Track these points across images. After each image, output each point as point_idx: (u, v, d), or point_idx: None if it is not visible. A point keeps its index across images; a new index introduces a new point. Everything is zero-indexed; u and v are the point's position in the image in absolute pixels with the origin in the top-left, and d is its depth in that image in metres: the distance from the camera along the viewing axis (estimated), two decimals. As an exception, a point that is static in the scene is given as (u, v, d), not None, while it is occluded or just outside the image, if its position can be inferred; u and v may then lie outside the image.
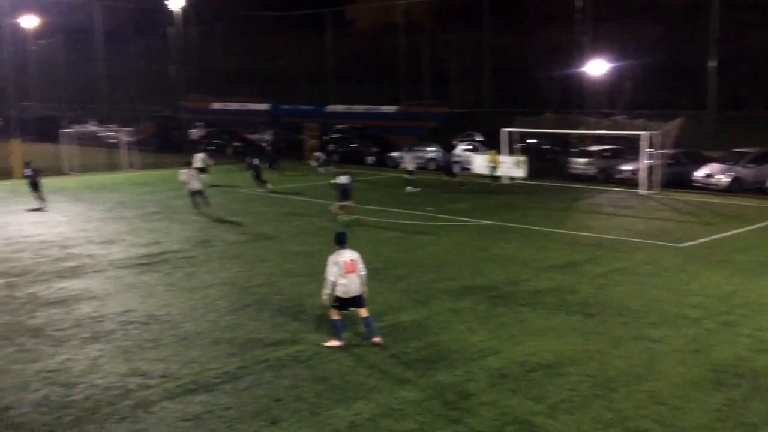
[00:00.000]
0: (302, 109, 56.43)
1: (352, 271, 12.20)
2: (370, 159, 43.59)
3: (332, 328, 12.49)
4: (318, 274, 17.33)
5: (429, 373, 11.31)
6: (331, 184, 26.60)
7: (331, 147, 44.70)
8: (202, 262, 18.59)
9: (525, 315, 14.07)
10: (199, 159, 33.49)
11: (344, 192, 24.81)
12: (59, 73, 73.81)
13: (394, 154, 42.51)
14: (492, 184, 34.18)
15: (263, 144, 43.99)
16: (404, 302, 15.06)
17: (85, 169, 39.36)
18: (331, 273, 12.14)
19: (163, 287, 16.24)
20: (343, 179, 24.97)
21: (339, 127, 49.51)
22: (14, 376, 11.19)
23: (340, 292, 12.19)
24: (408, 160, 33.51)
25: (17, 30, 61.65)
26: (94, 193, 31.65)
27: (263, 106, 60.68)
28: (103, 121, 56.95)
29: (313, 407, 10.09)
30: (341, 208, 24.80)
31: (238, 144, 51.91)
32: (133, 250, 20.10)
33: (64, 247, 20.49)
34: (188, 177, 26.47)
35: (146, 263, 18.49)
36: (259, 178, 32.00)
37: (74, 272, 17.57)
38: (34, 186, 27.57)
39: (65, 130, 43.14)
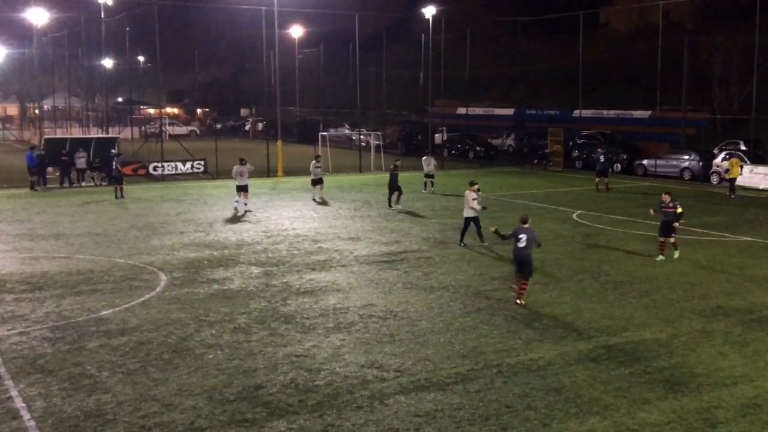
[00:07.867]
0: (547, 114, 55.52)
1: None
2: (617, 166, 42.09)
3: None
4: (556, 282, 16.99)
5: (672, 395, 10.54)
6: None
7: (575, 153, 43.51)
8: (439, 263, 18.93)
9: (789, 344, 12.63)
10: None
11: None
12: (319, 79, 79.32)
13: (645, 161, 40.99)
14: (733, 195, 31.58)
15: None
16: (648, 319, 14.20)
17: (337, 169, 41.83)
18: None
19: (402, 285, 16.76)
20: None
21: (585, 132, 48.04)
22: (267, 357, 12.13)
23: None
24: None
25: (286, 40, 67.42)
26: (344, 193, 33.52)
27: (508, 111, 60.62)
28: (355, 125, 60.24)
29: (544, 418, 9.83)
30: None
31: (480, 149, 52.65)
32: (376, 247, 20.98)
33: (316, 241, 21.92)
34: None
35: (387, 261, 19.21)
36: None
37: (323, 265, 18.72)
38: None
39: (323, 133, 46.28)
